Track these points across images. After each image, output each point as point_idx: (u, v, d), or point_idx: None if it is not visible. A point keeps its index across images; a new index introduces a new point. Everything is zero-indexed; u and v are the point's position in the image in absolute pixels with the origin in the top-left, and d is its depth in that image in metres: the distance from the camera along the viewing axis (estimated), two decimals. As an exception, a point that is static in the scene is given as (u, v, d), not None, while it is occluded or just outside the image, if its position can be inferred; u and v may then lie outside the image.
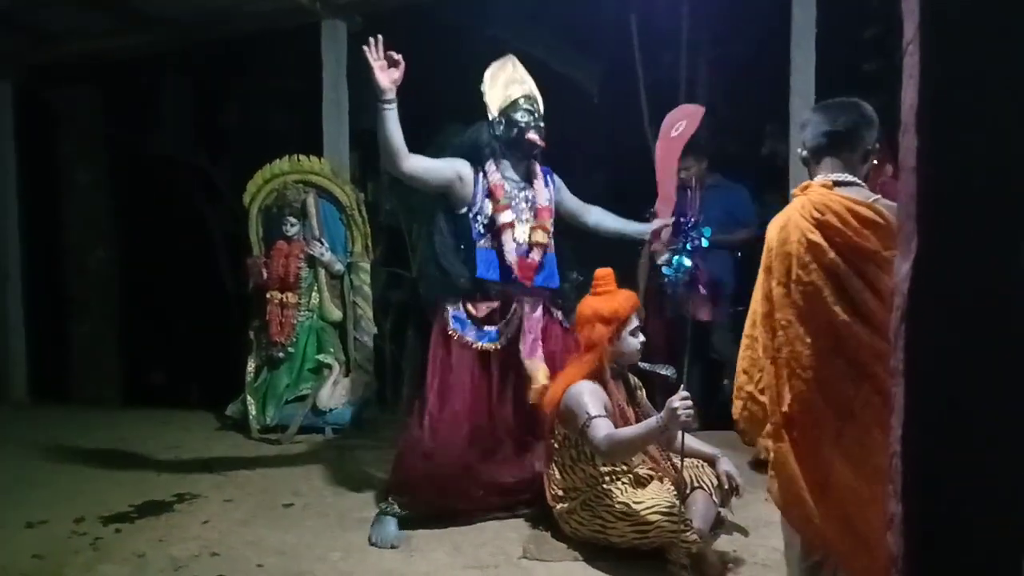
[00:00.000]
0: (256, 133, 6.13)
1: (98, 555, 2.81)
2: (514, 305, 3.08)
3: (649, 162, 4.88)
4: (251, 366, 4.73)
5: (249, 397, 4.60)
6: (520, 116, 3.08)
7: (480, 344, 3.04)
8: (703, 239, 3.00)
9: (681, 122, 3.49)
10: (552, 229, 3.17)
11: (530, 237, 3.09)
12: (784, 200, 4.18)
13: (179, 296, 6.44)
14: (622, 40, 5.56)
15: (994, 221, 0.93)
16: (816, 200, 1.82)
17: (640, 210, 4.22)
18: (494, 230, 3.06)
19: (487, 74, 3.16)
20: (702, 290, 3.40)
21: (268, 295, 4.69)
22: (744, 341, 1.96)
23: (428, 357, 3.10)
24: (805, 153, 2.03)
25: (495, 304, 3.07)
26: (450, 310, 3.07)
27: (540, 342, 3.08)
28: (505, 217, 3.05)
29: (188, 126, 6.76)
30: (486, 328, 3.06)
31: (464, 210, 3.09)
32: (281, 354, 4.64)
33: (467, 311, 3.06)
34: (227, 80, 6.45)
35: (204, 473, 3.76)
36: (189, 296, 6.38)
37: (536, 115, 3.13)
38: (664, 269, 3.42)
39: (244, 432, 4.54)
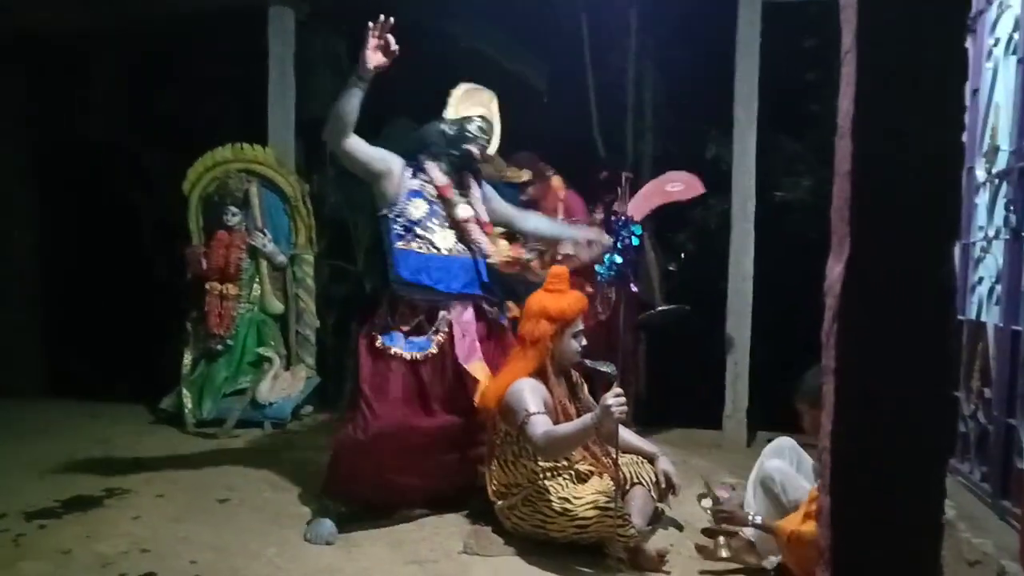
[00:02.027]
0: (196, 120, 5.95)
1: (20, 552, 2.69)
2: (440, 312, 3.06)
3: (596, 161, 4.95)
4: (187, 358, 4.61)
5: (185, 390, 4.48)
6: (472, 128, 3.13)
7: (411, 354, 3.00)
8: (633, 237, 3.06)
9: (679, 183, 3.60)
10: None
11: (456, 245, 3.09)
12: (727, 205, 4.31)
13: (108, 285, 6.20)
14: (572, 40, 5.60)
15: (924, 225, 0.97)
16: None
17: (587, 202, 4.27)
18: (455, 227, 3.06)
19: (462, 86, 3.19)
20: (633, 287, 3.48)
21: (207, 286, 4.57)
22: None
23: (359, 363, 3.04)
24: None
25: (420, 316, 3.05)
26: (377, 322, 3.04)
27: (477, 343, 3.08)
28: (463, 212, 3.06)
29: (121, 110, 6.52)
30: (414, 339, 3.02)
31: (384, 211, 3.06)
32: (219, 346, 4.54)
33: (392, 324, 3.03)
34: (166, 63, 6.24)
35: (135, 468, 3.64)
36: (118, 285, 6.15)
37: (486, 136, 3.18)
38: (596, 267, 3.50)
39: (179, 426, 4.42)
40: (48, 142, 6.26)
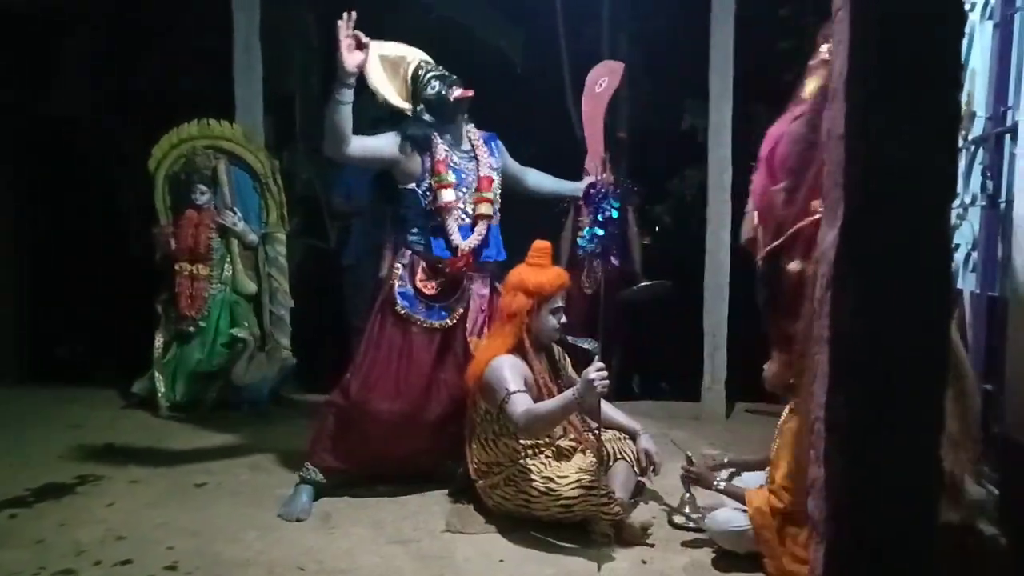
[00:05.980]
0: (169, 95, 5.78)
1: (-9, 542, 2.63)
2: (464, 281, 3.03)
3: (571, 133, 4.89)
4: (159, 341, 4.51)
5: (157, 373, 4.40)
6: (432, 87, 2.97)
7: (430, 323, 2.99)
8: (613, 210, 3.02)
9: (604, 78, 3.51)
10: (498, 199, 3.11)
11: (474, 210, 3.04)
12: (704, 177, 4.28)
13: (85, 266, 6.05)
14: (545, 10, 5.50)
15: (920, 187, 0.95)
16: None
17: (563, 175, 4.22)
18: (438, 208, 3.00)
19: (371, 82, 2.96)
20: (614, 260, 3.46)
21: (177, 266, 4.46)
22: None
23: (366, 327, 3.04)
24: None
25: (443, 281, 3.02)
26: (396, 285, 3.00)
27: (486, 319, 3.07)
28: (447, 196, 2.97)
29: (93, 86, 6.31)
30: (436, 306, 3.01)
31: (412, 185, 3.00)
32: (191, 328, 4.44)
33: (415, 288, 3.00)
34: (135, 37, 6.04)
35: (109, 454, 3.57)
36: (96, 267, 6.01)
37: (442, 72, 3.02)
38: (577, 240, 3.47)
39: (152, 410, 4.34)
40: (18, 120, 6.06)
